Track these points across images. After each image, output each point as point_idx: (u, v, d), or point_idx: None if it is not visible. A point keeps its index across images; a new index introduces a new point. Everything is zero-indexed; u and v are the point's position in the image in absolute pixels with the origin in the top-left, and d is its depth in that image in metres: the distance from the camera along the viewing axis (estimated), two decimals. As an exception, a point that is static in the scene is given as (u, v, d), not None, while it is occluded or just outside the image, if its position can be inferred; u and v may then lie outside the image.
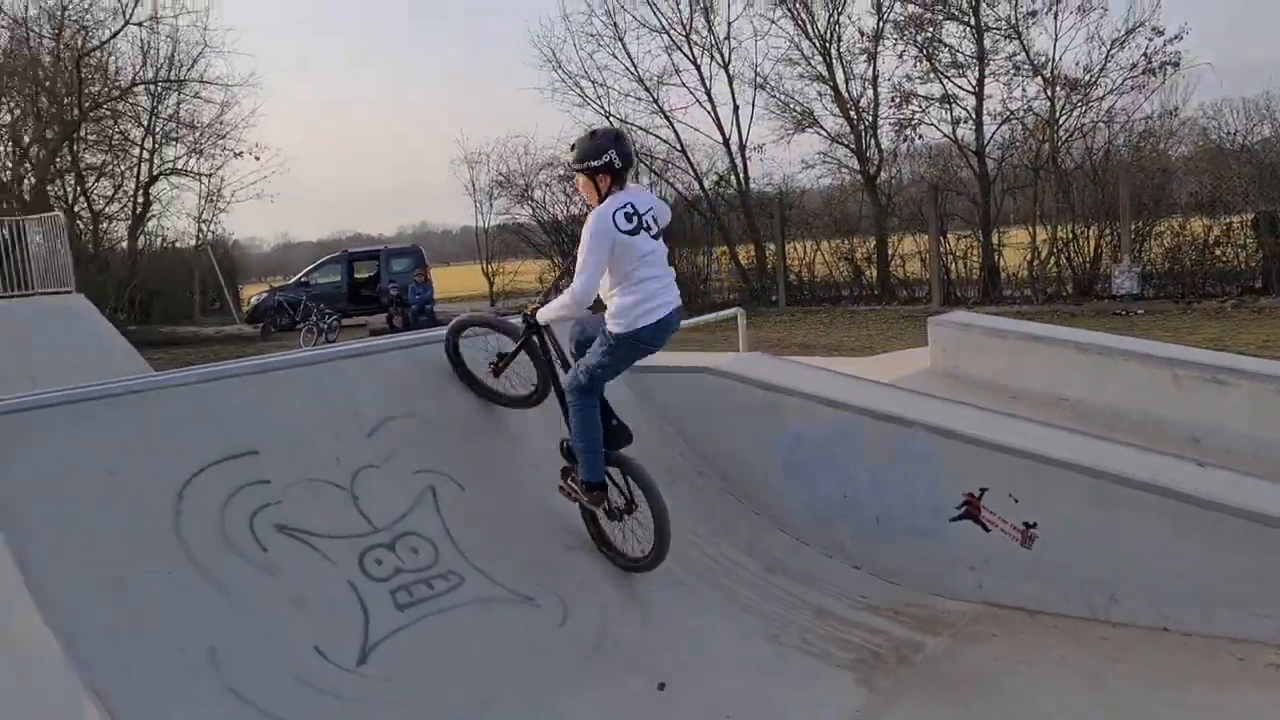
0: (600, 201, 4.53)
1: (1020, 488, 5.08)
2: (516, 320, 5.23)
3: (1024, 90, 22.42)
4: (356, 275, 27.42)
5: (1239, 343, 12.80)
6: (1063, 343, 7.44)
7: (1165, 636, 4.60)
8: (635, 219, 4.50)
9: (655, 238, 4.61)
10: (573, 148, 4.64)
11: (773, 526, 5.73)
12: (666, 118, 26.23)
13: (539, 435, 5.32)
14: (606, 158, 4.49)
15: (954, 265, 21.75)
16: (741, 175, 25.95)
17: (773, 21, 25.00)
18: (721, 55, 25.69)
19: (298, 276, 28.47)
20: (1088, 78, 21.63)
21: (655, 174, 25.90)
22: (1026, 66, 22.21)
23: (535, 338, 5.03)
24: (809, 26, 24.48)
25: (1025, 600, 5.00)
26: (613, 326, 4.58)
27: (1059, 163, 21.42)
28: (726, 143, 25.88)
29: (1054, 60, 21.98)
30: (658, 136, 26.31)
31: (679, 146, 26.22)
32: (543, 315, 4.89)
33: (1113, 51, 21.31)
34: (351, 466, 4.68)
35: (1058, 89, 21.92)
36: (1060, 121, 21.95)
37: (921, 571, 5.29)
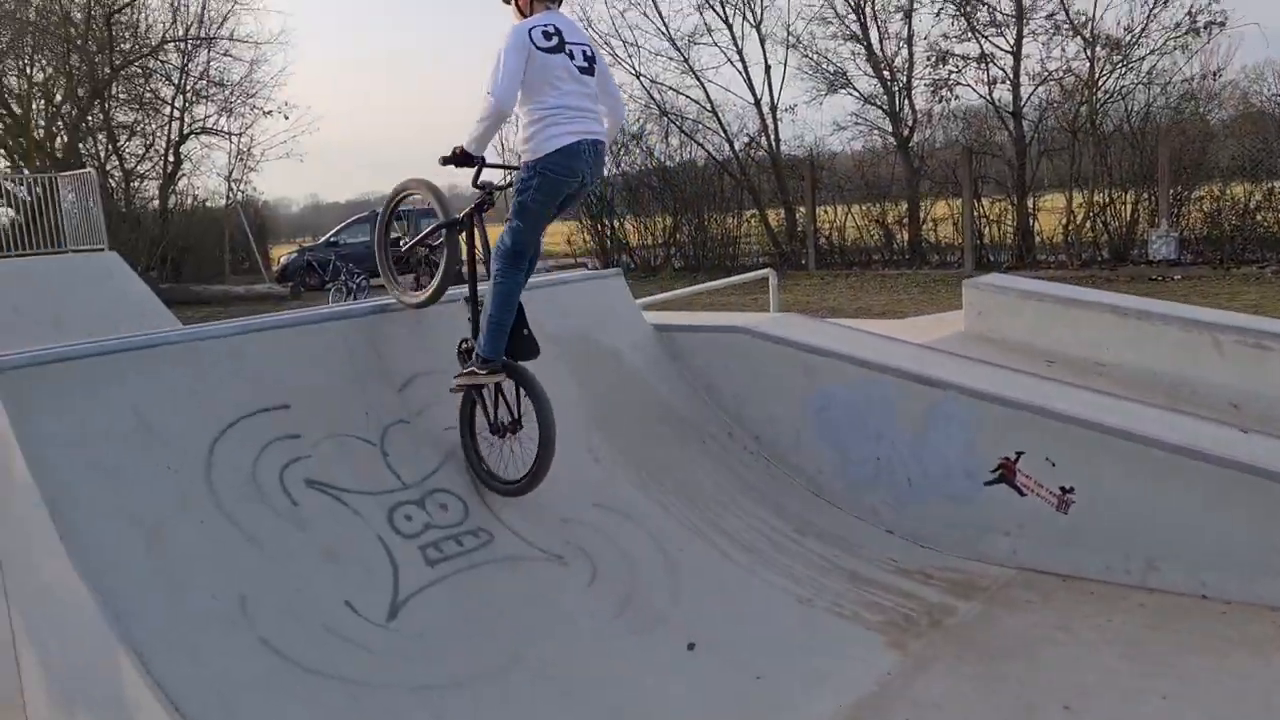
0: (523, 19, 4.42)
1: (1057, 452, 4.98)
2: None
3: (1063, 50, 21.78)
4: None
5: (1279, 309, 12.52)
6: (1101, 306, 7.25)
7: (1204, 604, 4.51)
8: (556, 38, 4.33)
9: (583, 70, 4.40)
10: None
11: (804, 489, 5.68)
12: (697, 77, 25.75)
13: (570, 390, 5.29)
14: None
15: (988, 229, 21.34)
16: (772, 137, 25.56)
17: (806, -22, 24.52)
18: (753, 14, 25.22)
19: (326, 236, 28.46)
20: (1129, 37, 21.03)
21: (685, 134, 25.62)
22: (1066, 25, 21.63)
23: (469, 224, 4.73)
24: (843, -16, 24.02)
25: (1061, 566, 4.92)
26: (524, 156, 4.41)
27: (1097, 125, 20.92)
28: (758, 103, 25.35)
29: (1094, 19, 21.43)
30: (688, 96, 25.90)
31: (709, 107, 25.73)
32: (471, 143, 4.41)
33: (1155, 10, 20.75)
34: (381, 422, 4.67)
35: (1098, 49, 21.38)
36: (1099, 83, 21.41)
37: (955, 536, 5.22)
